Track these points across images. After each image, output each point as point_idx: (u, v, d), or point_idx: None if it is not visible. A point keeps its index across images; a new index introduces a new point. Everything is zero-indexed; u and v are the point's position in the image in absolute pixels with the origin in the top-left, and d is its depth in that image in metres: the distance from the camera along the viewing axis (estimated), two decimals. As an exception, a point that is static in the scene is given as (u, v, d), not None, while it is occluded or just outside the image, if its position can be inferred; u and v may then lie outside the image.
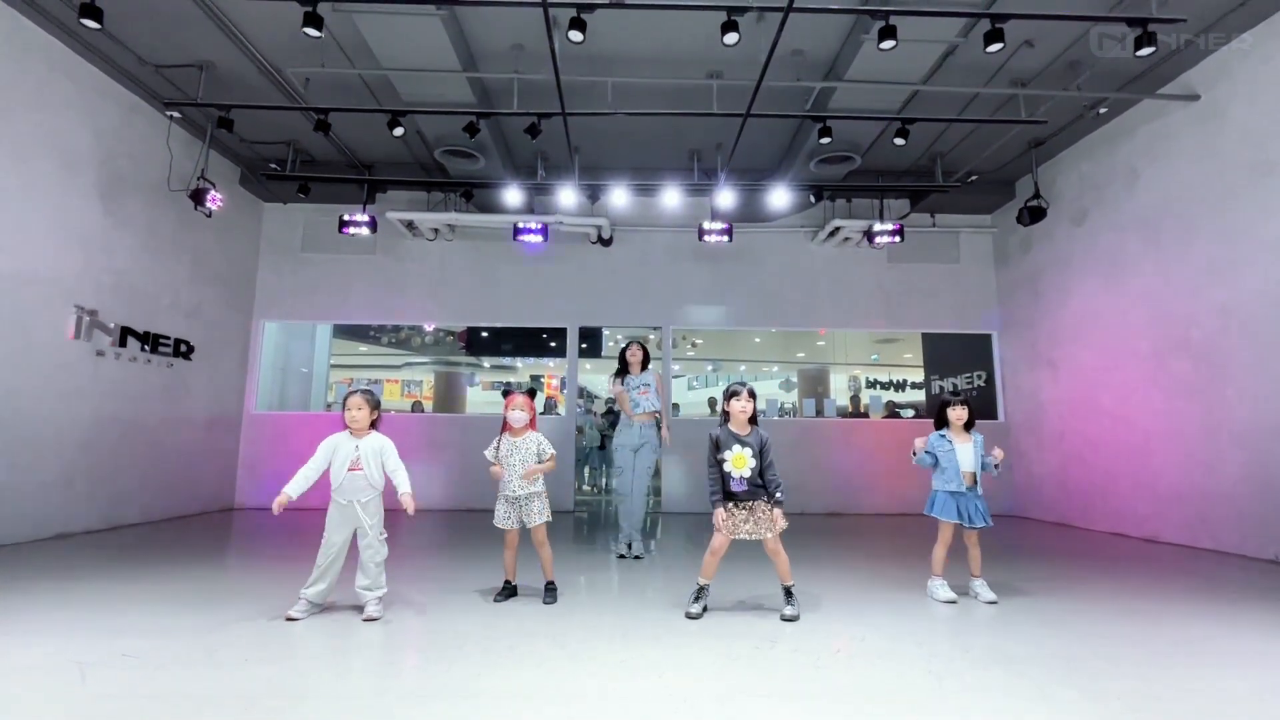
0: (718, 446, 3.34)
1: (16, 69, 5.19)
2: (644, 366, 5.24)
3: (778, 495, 3.31)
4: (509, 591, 3.63)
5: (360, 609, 3.23)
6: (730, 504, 3.31)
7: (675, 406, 10.30)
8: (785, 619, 3.21)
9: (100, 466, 6.01)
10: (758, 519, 3.29)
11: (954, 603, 3.61)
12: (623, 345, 5.30)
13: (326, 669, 2.57)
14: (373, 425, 3.37)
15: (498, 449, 3.63)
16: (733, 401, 3.39)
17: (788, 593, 3.33)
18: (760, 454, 3.32)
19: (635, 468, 5.05)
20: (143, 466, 6.53)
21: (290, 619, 3.11)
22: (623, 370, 5.24)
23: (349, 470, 3.24)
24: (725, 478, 3.30)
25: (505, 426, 3.67)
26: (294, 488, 3.21)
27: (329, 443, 3.30)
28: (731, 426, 3.39)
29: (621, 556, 4.94)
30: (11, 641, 2.78)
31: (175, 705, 2.15)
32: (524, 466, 3.56)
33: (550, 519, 3.67)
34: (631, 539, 5.00)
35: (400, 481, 3.30)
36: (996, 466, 3.80)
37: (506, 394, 3.71)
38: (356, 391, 3.37)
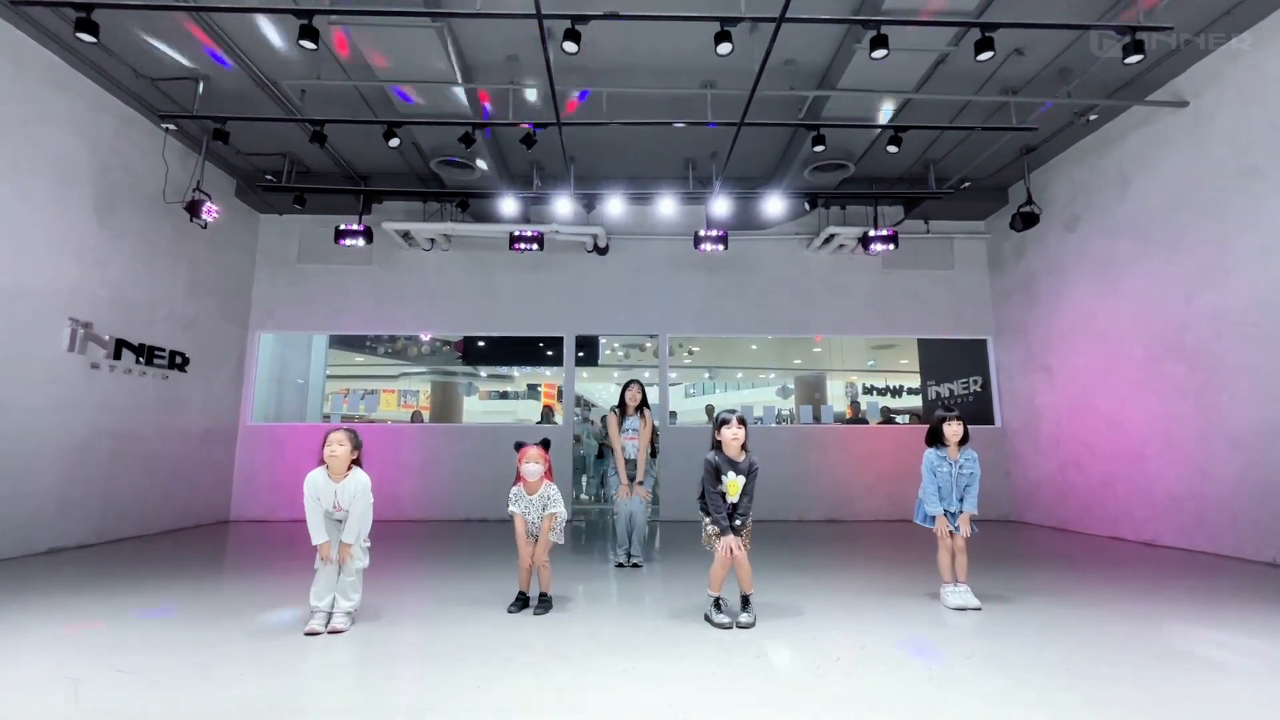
0: (716, 472, 3.37)
1: (11, 83, 5.19)
2: (640, 408, 5.21)
3: (745, 523, 3.39)
4: (523, 602, 3.61)
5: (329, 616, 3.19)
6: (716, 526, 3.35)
7: (672, 414, 10.29)
8: (741, 626, 3.22)
9: (94, 479, 5.97)
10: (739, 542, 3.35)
11: (964, 610, 3.58)
12: (623, 383, 5.29)
13: (323, 682, 2.54)
14: (355, 463, 3.29)
15: (515, 501, 3.61)
16: (724, 430, 3.41)
17: (745, 601, 3.35)
18: (748, 478, 3.38)
19: (634, 505, 5.05)
20: (137, 479, 6.48)
21: (311, 633, 3.07)
22: (622, 407, 5.23)
23: (331, 510, 3.21)
24: (719, 502, 3.33)
25: (519, 479, 3.59)
26: (316, 536, 3.16)
27: (309, 489, 3.19)
28: (726, 453, 3.41)
29: (620, 565, 4.92)
30: (4, 658, 2.75)
31: (170, 721, 2.13)
32: (538, 514, 3.58)
33: (561, 542, 3.69)
34: (630, 548, 4.99)
35: (352, 527, 3.18)
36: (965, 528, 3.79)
37: (519, 447, 3.60)
38: (340, 429, 3.29)
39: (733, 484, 3.34)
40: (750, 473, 3.39)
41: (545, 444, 3.64)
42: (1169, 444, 6.00)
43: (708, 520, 3.40)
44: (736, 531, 3.33)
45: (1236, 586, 4.25)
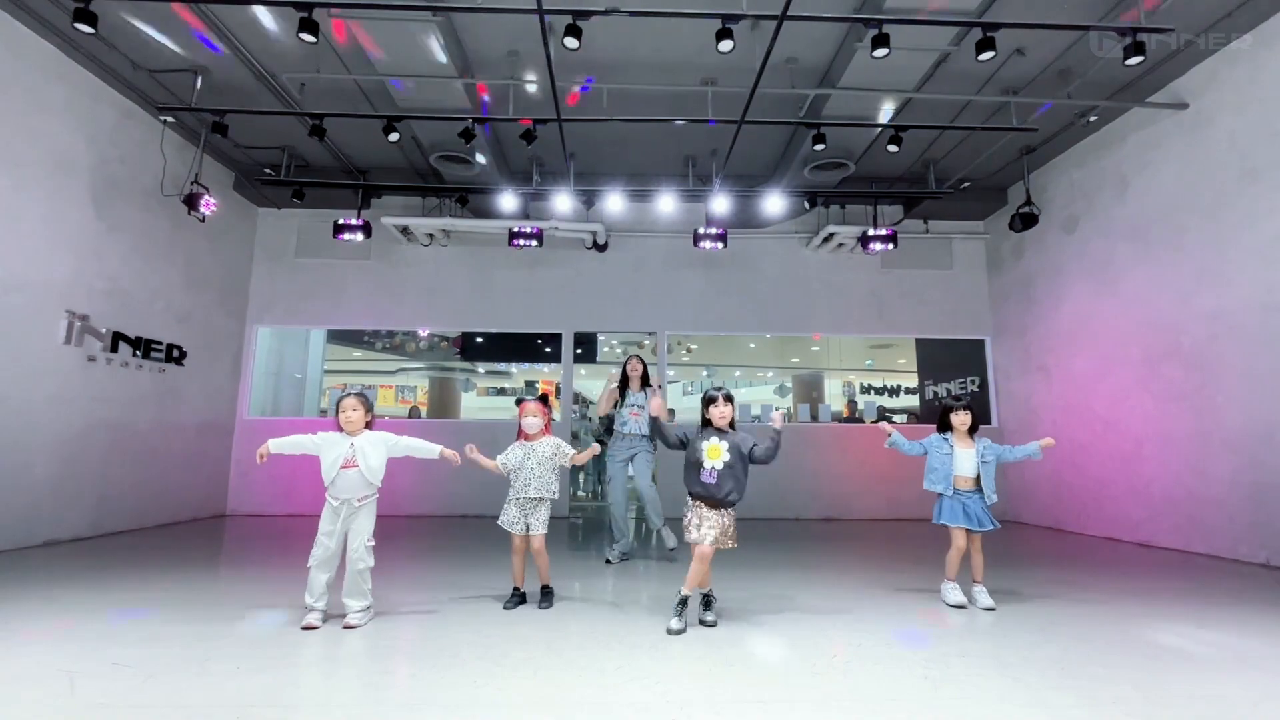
0: (689, 440, 3.39)
1: (9, 73, 5.16)
2: (644, 383, 5.22)
3: (730, 498, 3.25)
4: (519, 598, 3.62)
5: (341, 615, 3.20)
6: (701, 504, 3.30)
7: (671, 412, 10.28)
8: (706, 624, 3.21)
9: (90, 473, 5.95)
10: (708, 525, 3.24)
11: (963, 607, 3.61)
12: (624, 358, 5.32)
13: (319, 677, 2.54)
14: (367, 427, 3.38)
15: (506, 465, 3.64)
16: (711, 409, 3.40)
17: (706, 600, 3.32)
18: (740, 457, 3.29)
19: (637, 472, 5.10)
20: (133, 473, 6.47)
21: (308, 627, 3.07)
22: (624, 383, 5.22)
23: (342, 468, 3.20)
24: (697, 467, 3.30)
25: (520, 434, 3.68)
26: (276, 444, 3.23)
27: (323, 435, 3.30)
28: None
29: (609, 562, 4.93)
30: (0, 651, 2.75)
31: (166, 714, 2.13)
32: (541, 469, 3.58)
33: (545, 532, 3.67)
34: (626, 548, 5.04)
35: (425, 451, 3.40)
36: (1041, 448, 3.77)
37: (520, 403, 3.73)
38: (351, 394, 3.36)
39: (713, 447, 3.28)
40: (740, 452, 3.29)
41: (544, 399, 3.76)
42: (1165, 445, 6.02)
43: (688, 510, 3.36)
44: (721, 505, 3.27)
45: (1231, 587, 4.28)
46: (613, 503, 5.13)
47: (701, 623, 3.23)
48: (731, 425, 3.39)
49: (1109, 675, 2.56)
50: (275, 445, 3.24)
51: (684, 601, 3.20)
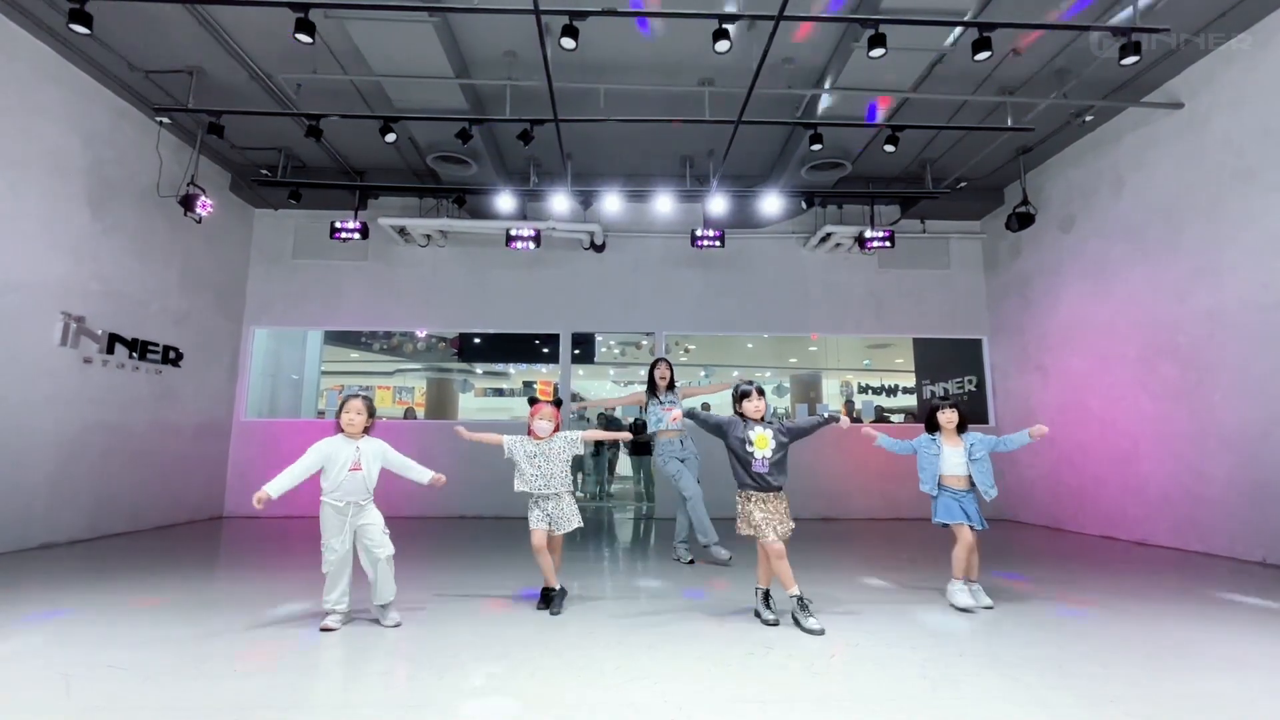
0: (726, 431, 3.40)
1: (3, 74, 5.14)
2: (671, 385, 5.29)
3: (783, 483, 3.41)
4: (555, 595, 3.59)
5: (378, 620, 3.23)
6: (754, 494, 3.35)
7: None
8: (810, 631, 3.10)
9: (87, 475, 5.93)
10: (777, 519, 3.35)
11: (970, 611, 3.51)
12: (651, 362, 5.41)
13: (317, 679, 2.54)
14: (366, 431, 3.39)
15: (511, 450, 3.69)
16: (745, 403, 3.46)
17: (800, 601, 3.28)
18: (782, 444, 3.42)
19: (685, 474, 4.98)
20: (130, 474, 6.45)
21: (326, 629, 3.07)
22: (652, 386, 5.26)
23: (350, 471, 3.22)
24: (748, 459, 3.34)
25: (530, 433, 3.73)
26: (276, 487, 3.10)
27: (321, 447, 3.27)
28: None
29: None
30: (-5, 654, 2.73)
31: (163, 716, 2.12)
32: (550, 466, 3.64)
33: (581, 525, 3.70)
34: (714, 540, 4.93)
35: (417, 473, 3.43)
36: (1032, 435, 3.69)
37: (533, 402, 3.78)
38: (358, 396, 3.38)
39: (761, 437, 3.32)
40: (783, 438, 3.41)
41: (557, 403, 3.80)
42: (1161, 444, 6.03)
43: (742, 496, 3.38)
44: (775, 489, 3.37)
45: (1228, 585, 4.28)
46: (689, 498, 4.90)
47: (806, 630, 3.13)
48: (761, 418, 3.44)
49: (1107, 674, 2.57)
50: (274, 489, 3.09)
51: (767, 595, 3.41)
